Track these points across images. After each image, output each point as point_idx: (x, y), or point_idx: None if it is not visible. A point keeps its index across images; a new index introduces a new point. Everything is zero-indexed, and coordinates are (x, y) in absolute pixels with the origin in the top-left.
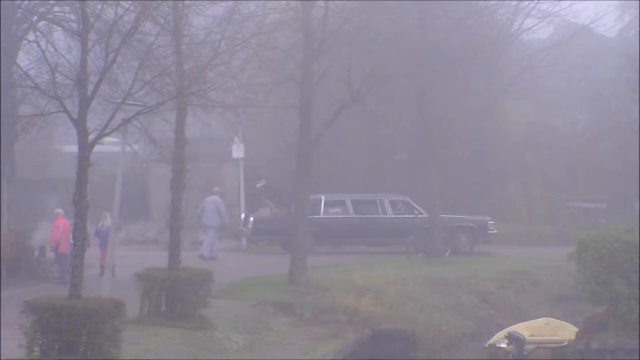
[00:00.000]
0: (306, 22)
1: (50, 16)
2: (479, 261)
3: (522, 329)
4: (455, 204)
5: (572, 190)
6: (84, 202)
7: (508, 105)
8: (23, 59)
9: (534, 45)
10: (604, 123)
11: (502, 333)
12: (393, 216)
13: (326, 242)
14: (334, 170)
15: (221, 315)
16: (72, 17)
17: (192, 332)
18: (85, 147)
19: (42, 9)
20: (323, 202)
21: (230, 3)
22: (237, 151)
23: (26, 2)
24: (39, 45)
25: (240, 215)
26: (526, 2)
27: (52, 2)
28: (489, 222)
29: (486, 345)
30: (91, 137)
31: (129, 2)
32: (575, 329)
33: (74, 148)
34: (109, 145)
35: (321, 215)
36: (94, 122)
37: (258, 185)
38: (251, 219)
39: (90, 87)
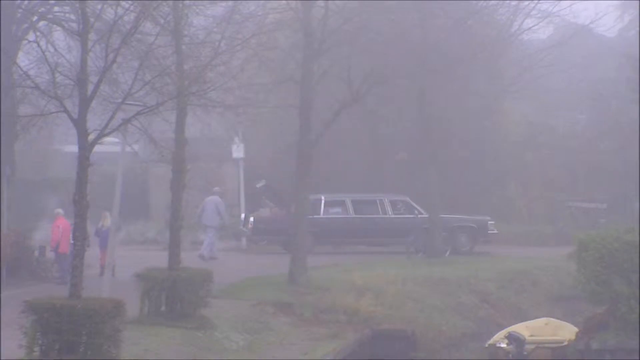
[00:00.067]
0: (306, 22)
1: (50, 16)
2: (479, 261)
3: (522, 329)
4: (455, 204)
5: (572, 190)
6: (84, 202)
7: (508, 105)
8: (23, 59)
9: (534, 45)
10: (604, 123)
11: (502, 333)
12: (393, 216)
13: (326, 242)
14: (334, 170)
15: (221, 315)
16: (72, 17)
17: (192, 332)
18: (85, 147)
19: (42, 9)
20: (323, 202)
21: (230, 3)
22: (237, 151)
23: (26, 2)
24: (39, 45)
25: (240, 215)
26: (526, 2)
27: (52, 2)
28: (489, 222)
29: (486, 345)
30: (91, 137)
31: (129, 2)
32: (575, 329)
33: (74, 148)
34: (109, 145)
35: (321, 215)
36: (94, 122)
37: (258, 185)
38: (251, 219)
39: (90, 87)
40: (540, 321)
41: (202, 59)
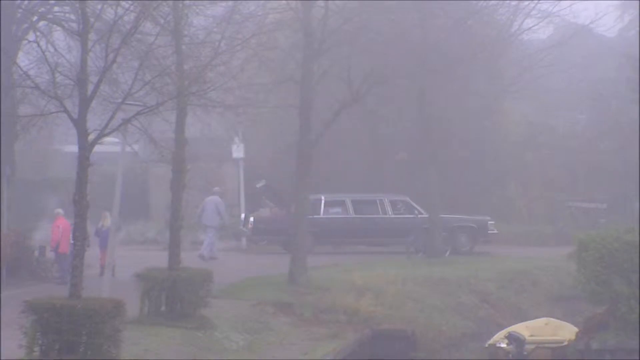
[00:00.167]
0: (306, 22)
1: (50, 16)
2: (479, 261)
3: (522, 329)
4: (455, 204)
5: (572, 190)
6: (84, 202)
7: (508, 105)
8: (23, 59)
9: (534, 45)
10: (604, 123)
11: (502, 333)
12: (393, 216)
13: (326, 242)
14: (334, 170)
15: (221, 315)
16: (72, 17)
17: (192, 332)
18: (85, 147)
19: (42, 9)
20: (323, 202)
21: (230, 3)
22: (237, 151)
23: (26, 2)
24: (39, 45)
25: (240, 215)
26: (526, 2)
27: (52, 2)
28: (489, 222)
29: (486, 345)
30: (91, 137)
31: (129, 2)
32: (575, 329)
33: (74, 148)
34: (109, 145)
35: (321, 215)
36: (94, 122)
37: (258, 185)
38: (251, 219)
39: (90, 87)
40: (540, 321)
41: (202, 59)
